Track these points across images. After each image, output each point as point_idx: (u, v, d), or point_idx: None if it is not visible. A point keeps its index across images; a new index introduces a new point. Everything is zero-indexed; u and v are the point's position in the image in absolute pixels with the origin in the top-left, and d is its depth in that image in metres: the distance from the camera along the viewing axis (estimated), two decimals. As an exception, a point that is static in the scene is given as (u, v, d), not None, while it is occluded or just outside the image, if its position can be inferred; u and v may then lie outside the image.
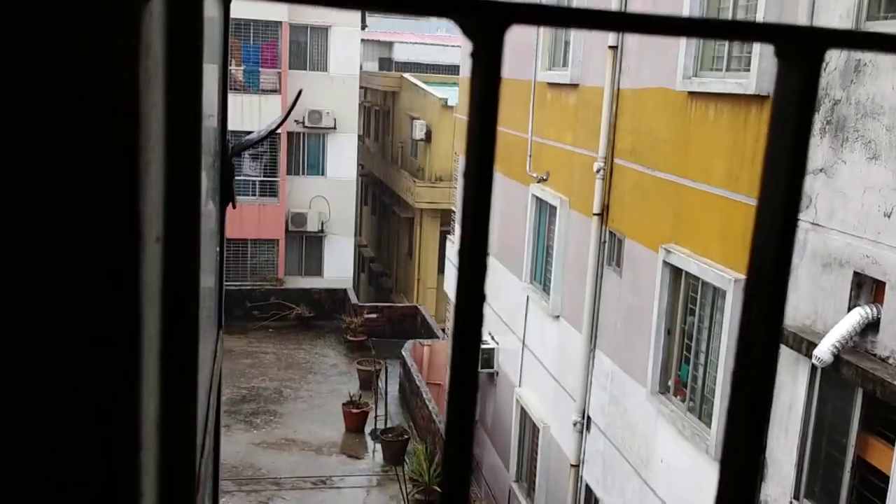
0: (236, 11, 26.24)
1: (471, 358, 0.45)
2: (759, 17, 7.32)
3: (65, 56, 0.46)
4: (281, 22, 25.37)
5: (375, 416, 17.70)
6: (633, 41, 9.91)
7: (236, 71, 25.28)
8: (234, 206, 1.86)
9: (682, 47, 8.55)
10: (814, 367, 6.47)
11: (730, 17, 8.07)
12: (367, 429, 17.84)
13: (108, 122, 0.48)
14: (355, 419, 17.79)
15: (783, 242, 0.45)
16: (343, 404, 18.03)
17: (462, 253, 0.43)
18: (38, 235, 0.49)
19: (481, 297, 0.44)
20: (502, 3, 0.41)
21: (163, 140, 0.64)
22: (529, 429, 13.10)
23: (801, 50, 0.45)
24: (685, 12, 8.53)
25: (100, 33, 0.47)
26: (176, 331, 0.73)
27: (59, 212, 0.48)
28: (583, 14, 0.43)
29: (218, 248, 1.81)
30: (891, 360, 5.83)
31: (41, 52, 0.46)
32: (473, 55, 0.42)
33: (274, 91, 25.53)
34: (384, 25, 46.81)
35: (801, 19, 6.76)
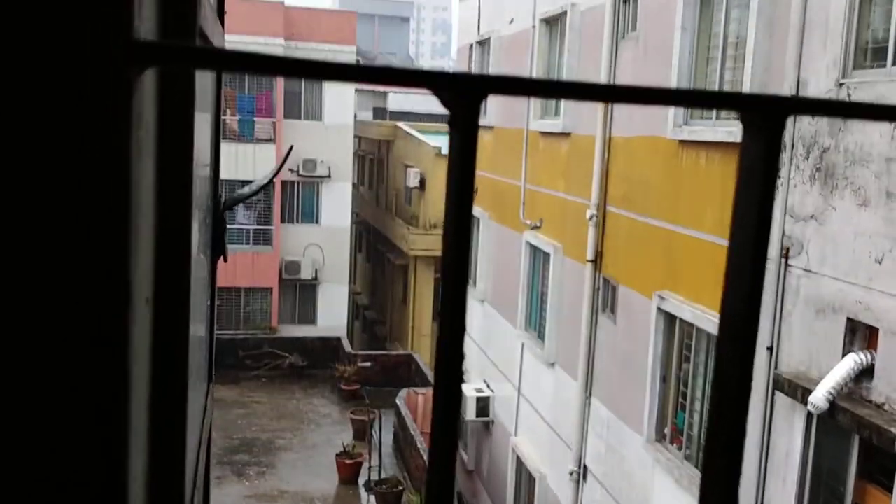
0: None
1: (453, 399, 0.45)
2: (748, 67, 7.45)
3: (57, 126, 0.47)
4: (276, 72, 25.65)
5: (369, 467, 17.47)
6: (623, 90, 10.05)
7: (231, 120, 25.51)
8: (225, 260, 1.86)
9: (672, 96, 8.66)
10: (809, 414, 6.43)
11: (718, 67, 8.21)
12: (361, 480, 17.60)
13: (98, 191, 0.49)
14: (349, 470, 17.56)
15: (751, 306, 0.45)
16: (336, 455, 17.81)
17: (442, 322, 0.43)
18: (27, 301, 0.50)
19: (459, 375, 0.44)
20: (476, 75, 0.42)
21: (153, 204, 0.65)
22: (526, 478, 12.94)
23: (764, 117, 0.46)
24: (674, 66, 8.67)
25: (92, 105, 0.48)
26: (165, 391, 0.73)
27: (49, 278, 0.49)
28: (552, 85, 0.44)
29: (209, 302, 1.81)
30: (886, 407, 5.81)
31: (35, 121, 0.47)
32: (450, 123, 0.43)
33: (269, 140, 25.73)
34: (378, 75, 47.35)
35: (789, 70, 6.88)
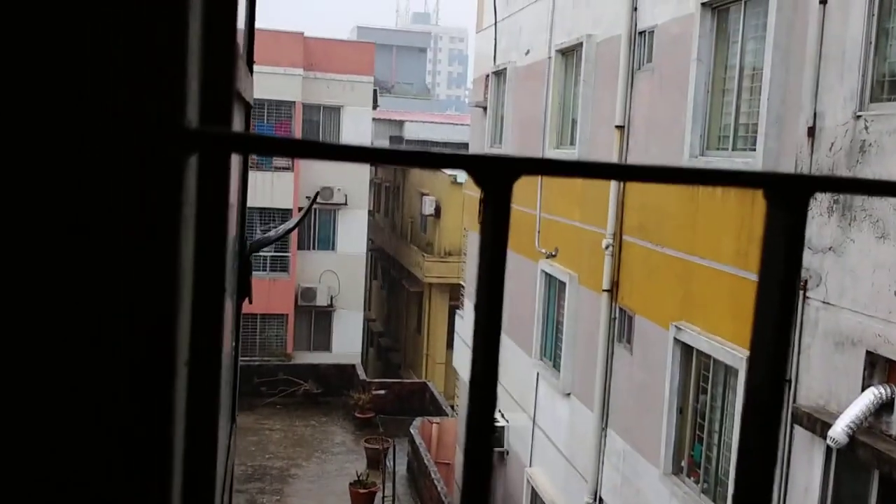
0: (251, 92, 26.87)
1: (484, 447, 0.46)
2: (764, 99, 7.46)
3: (114, 210, 0.50)
4: (294, 102, 25.95)
5: (383, 497, 17.36)
6: (639, 120, 10.08)
7: (249, 148, 25.75)
8: (250, 302, 1.89)
9: (689, 125, 8.69)
10: (829, 449, 6.36)
11: (734, 99, 8.22)
12: (375, 509, 17.48)
13: (148, 269, 0.51)
14: (362, 499, 17.45)
15: (775, 386, 0.47)
16: (350, 484, 17.72)
17: (470, 418, 0.45)
18: (83, 364, 0.52)
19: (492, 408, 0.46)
20: (510, 158, 0.44)
21: (192, 272, 0.67)
22: (540, 510, 12.82)
23: (788, 195, 0.47)
24: (689, 98, 8.69)
25: (146, 188, 0.51)
26: (197, 449, 0.74)
27: (105, 342, 0.51)
28: (580, 165, 0.45)
29: (234, 343, 1.83)
30: (908, 442, 5.73)
31: (97, 206, 0.50)
32: (483, 202, 0.45)
33: (287, 169, 25.94)
34: (395, 105, 47.80)
35: (806, 102, 6.88)
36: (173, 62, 0.53)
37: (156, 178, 0.51)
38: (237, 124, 1.41)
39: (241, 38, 1.94)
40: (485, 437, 0.45)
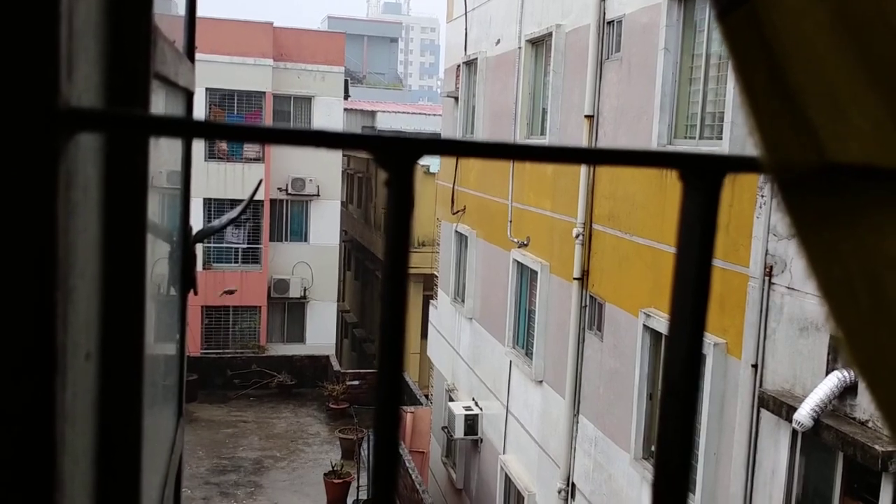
0: (221, 82, 26.31)
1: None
2: (730, 87, 7.54)
3: None
4: (265, 92, 25.74)
5: (358, 486, 17.38)
6: (608, 109, 10.14)
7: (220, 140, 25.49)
8: (195, 293, 1.88)
9: (657, 114, 8.76)
10: (795, 432, 6.47)
11: (701, 87, 8.30)
12: (350, 499, 17.50)
13: (22, 255, 0.49)
14: (337, 490, 17.46)
15: (691, 362, 0.48)
16: (325, 474, 17.72)
17: (380, 379, 0.46)
18: None
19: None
20: (410, 138, 0.46)
21: (98, 259, 0.65)
22: (514, 497, 12.91)
23: (703, 175, 0.49)
24: (657, 86, 8.76)
25: (12, 171, 0.48)
26: (116, 445, 0.74)
27: None
28: (482, 146, 0.47)
29: (179, 336, 1.82)
30: (870, 424, 5.86)
31: None
32: (387, 184, 0.46)
33: (257, 160, 25.74)
34: (367, 95, 47.55)
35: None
36: (42, 35, 0.50)
37: (23, 159, 0.48)
38: (167, 111, 1.40)
39: (177, 24, 1.90)
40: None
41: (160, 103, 1.23)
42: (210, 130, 0.44)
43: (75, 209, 0.56)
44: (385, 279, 0.45)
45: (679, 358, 0.48)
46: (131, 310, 0.76)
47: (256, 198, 25.18)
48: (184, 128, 0.43)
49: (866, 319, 0.45)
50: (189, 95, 1.77)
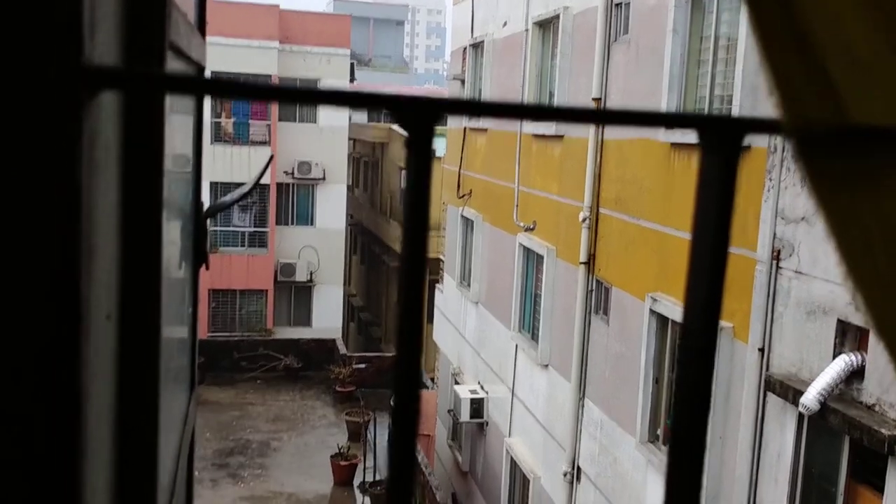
0: (227, 65, 26.27)
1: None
2: (738, 70, 7.49)
3: (5, 148, 0.49)
4: (271, 75, 25.68)
5: (364, 469, 17.48)
6: (616, 91, 10.09)
7: (226, 123, 25.49)
8: (206, 268, 1.88)
9: (665, 96, 8.71)
10: (801, 416, 6.47)
11: (709, 69, 8.24)
12: (356, 481, 17.60)
13: (46, 211, 0.50)
14: (344, 472, 17.56)
15: (709, 330, 0.48)
16: (331, 456, 17.81)
17: (399, 332, 0.46)
18: None
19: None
20: (431, 98, 0.45)
21: (117, 222, 0.66)
22: (520, 480, 12.96)
23: (721, 137, 0.48)
24: (665, 68, 8.70)
25: (40, 129, 0.50)
26: (134, 406, 0.74)
27: None
28: (504, 107, 0.46)
29: (191, 309, 1.82)
30: (876, 408, 5.85)
31: None
32: (407, 144, 0.45)
33: (263, 143, 25.72)
34: (373, 78, 47.43)
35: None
36: None
37: (49, 114, 0.49)
38: (183, 68, 1.39)
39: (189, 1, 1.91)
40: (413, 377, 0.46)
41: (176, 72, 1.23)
42: (228, 89, 0.44)
43: (97, 169, 0.56)
44: (405, 241, 0.44)
45: (698, 328, 0.48)
46: (149, 273, 0.76)
47: (263, 182, 25.18)
48: (202, 86, 0.43)
49: (885, 280, 0.46)
50: (200, 70, 1.77)
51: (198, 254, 1.77)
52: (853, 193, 0.46)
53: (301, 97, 0.45)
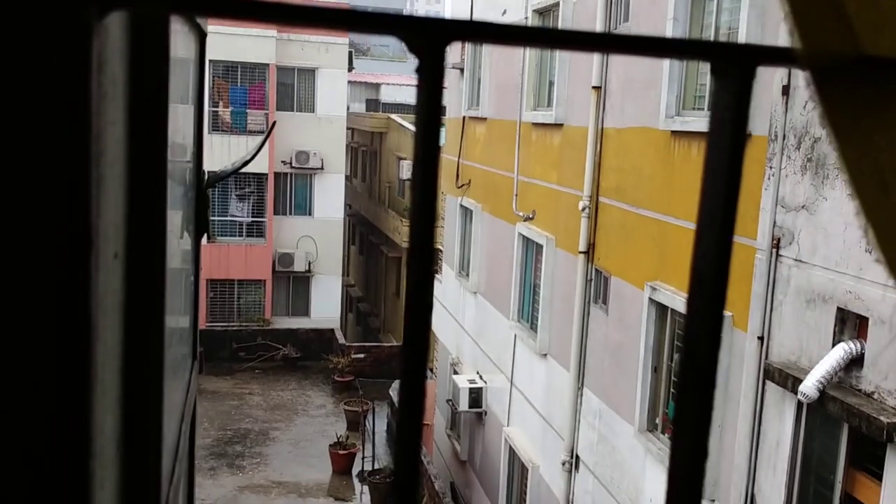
0: (224, 54, 26.20)
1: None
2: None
3: (10, 69, 0.48)
4: (268, 64, 25.60)
5: (363, 458, 17.51)
6: (616, 80, 10.05)
7: (224, 112, 25.42)
8: (209, 239, 1.86)
9: (665, 85, 8.67)
10: (800, 404, 6.47)
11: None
12: (355, 470, 17.64)
13: (55, 135, 0.49)
14: (342, 461, 17.59)
15: (721, 257, 0.46)
16: (330, 445, 17.84)
17: (410, 264, 0.44)
18: None
19: (428, 304, 0.45)
20: (442, 20, 0.42)
21: (124, 159, 0.65)
22: (518, 469, 12.98)
23: (734, 66, 0.46)
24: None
25: (48, 49, 0.48)
26: (139, 345, 0.73)
27: (5, 226, 0.49)
28: (517, 31, 0.44)
29: (193, 279, 1.81)
30: (875, 396, 5.84)
31: None
32: (418, 70, 0.43)
33: (261, 132, 25.65)
34: (371, 67, 47.30)
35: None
36: None
37: (58, 33, 0.49)
38: (185, 44, 1.38)
39: None
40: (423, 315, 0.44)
41: (178, 41, 1.21)
42: (234, 6, 0.42)
43: (105, 97, 0.55)
44: (415, 178, 0.42)
45: (709, 254, 0.46)
46: (154, 208, 0.76)
47: (260, 171, 25.14)
48: (211, 4, 0.41)
49: None
50: (202, 37, 1.76)
51: (199, 222, 1.75)
52: (867, 123, 0.45)
53: (310, 17, 0.43)
